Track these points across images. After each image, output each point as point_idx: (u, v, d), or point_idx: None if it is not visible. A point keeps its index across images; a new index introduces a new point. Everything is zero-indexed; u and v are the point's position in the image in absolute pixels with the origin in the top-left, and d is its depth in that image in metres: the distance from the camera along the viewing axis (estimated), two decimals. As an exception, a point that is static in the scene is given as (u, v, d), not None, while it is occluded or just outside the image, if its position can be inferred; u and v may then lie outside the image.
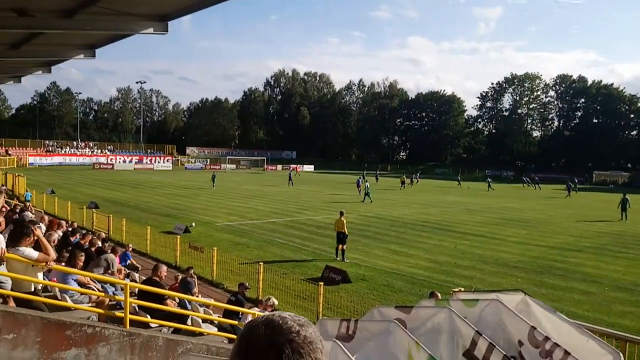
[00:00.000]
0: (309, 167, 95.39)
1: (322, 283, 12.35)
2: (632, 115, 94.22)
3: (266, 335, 1.13)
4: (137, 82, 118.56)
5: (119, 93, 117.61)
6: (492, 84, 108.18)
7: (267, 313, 1.24)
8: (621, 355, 5.28)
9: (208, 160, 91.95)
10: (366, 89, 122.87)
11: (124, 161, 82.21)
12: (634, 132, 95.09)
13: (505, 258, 18.58)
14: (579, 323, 6.26)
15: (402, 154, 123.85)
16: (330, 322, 6.18)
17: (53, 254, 6.46)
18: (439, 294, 9.31)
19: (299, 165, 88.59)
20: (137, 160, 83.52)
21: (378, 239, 21.71)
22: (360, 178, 47.07)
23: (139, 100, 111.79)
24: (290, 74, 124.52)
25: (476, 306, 5.78)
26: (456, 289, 9.80)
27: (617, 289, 14.89)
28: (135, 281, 10.46)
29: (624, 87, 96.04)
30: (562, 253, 19.90)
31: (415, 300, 11.18)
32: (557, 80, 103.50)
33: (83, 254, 9.35)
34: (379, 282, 15.06)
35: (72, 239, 11.89)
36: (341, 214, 18.51)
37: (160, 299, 7.83)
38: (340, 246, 17.78)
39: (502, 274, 16.34)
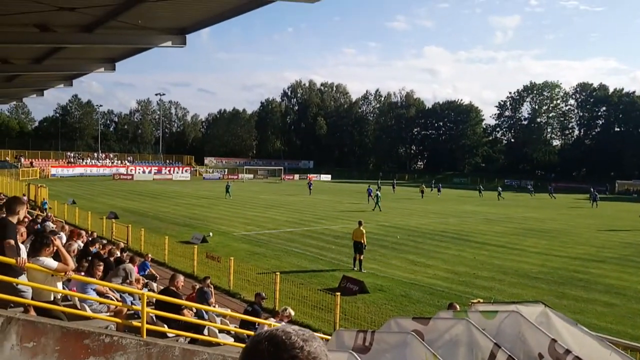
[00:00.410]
0: (326, 177, 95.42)
1: (339, 293, 12.31)
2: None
3: (269, 352, 1.12)
4: (156, 94, 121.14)
5: (138, 105, 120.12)
6: (511, 92, 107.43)
7: (271, 327, 1.23)
8: (646, 369, 5.14)
9: (226, 170, 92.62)
10: (383, 98, 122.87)
11: (144, 172, 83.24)
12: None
13: (525, 269, 18.29)
14: (601, 336, 6.11)
15: (419, 163, 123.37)
16: (347, 333, 6.13)
17: (72, 264, 6.55)
18: (457, 306, 9.20)
19: (314, 175, 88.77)
20: (156, 171, 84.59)
21: (396, 249, 21.56)
22: (370, 187, 46.81)
23: (158, 112, 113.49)
24: (307, 84, 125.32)
25: (495, 318, 5.68)
26: (475, 300, 9.67)
27: (642, 300, 14.55)
28: (154, 291, 10.55)
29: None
30: (584, 264, 19.52)
31: (433, 311, 11.05)
32: (578, 89, 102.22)
33: (102, 263, 9.49)
34: (396, 292, 14.94)
35: (91, 248, 12.06)
36: (359, 223, 18.38)
37: (177, 309, 7.87)
38: (358, 256, 17.71)
39: (522, 285, 16.09)
